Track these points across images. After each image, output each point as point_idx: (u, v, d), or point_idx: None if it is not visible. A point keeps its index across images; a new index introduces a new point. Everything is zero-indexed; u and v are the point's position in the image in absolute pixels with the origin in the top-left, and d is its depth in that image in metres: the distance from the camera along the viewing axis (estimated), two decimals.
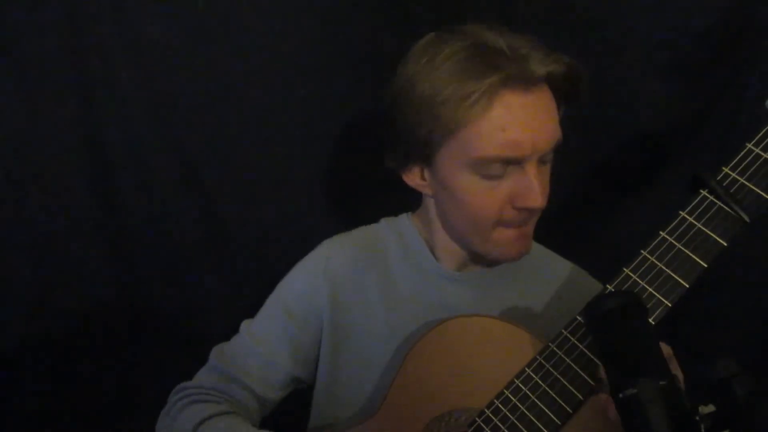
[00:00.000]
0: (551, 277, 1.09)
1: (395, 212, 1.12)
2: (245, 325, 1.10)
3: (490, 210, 0.93)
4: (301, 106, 1.34)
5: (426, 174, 0.99)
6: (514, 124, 0.87)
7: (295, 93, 1.34)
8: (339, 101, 1.35)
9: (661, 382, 0.69)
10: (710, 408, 0.68)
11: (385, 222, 1.13)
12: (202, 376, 1.07)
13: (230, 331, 1.09)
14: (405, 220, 1.11)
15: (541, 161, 0.92)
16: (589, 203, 1.37)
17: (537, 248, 1.09)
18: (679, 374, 0.80)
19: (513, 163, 0.90)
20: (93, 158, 1.32)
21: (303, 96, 1.34)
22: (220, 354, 1.08)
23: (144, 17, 1.26)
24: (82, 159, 1.32)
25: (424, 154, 0.95)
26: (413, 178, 1.00)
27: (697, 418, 0.67)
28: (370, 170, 1.22)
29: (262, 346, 1.06)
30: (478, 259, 1.05)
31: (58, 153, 1.30)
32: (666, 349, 0.80)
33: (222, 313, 1.41)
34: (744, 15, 1.24)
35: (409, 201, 1.09)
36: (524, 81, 0.87)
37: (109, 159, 1.33)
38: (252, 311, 1.10)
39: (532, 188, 0.90)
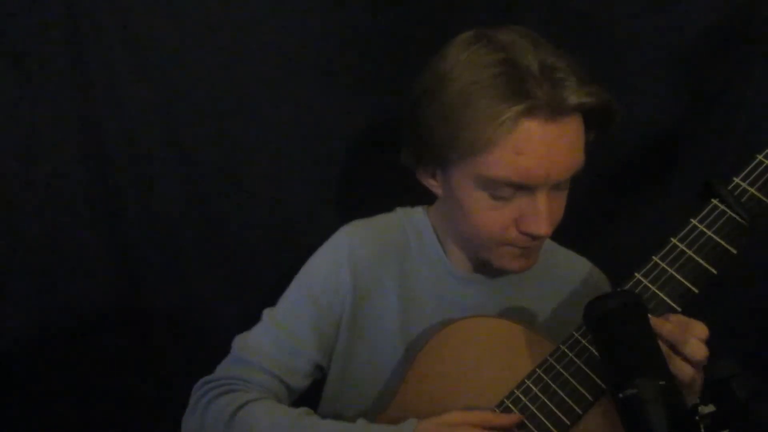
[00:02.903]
0: (563, 275, 1.10)
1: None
2: (268, 312, 1.09)
3: (493, 228, 0.94)
4: (302, 104, 1.35)
5: (438, 176, 0.99)
6: (531, 152, 0.86)
7: (296, 91, 1.34)
8: (341, 99, 1.35)
9: (661, 382, 0.70)
10: (710, 408, 0.68)
11: (402, 212, 1.12)
12: (227, 368, 1.06)
13: (230, 329, 1.09)
14: (421, 213, 1.11)
15: (556, 188, 0.92)
16: (597, 209, 1.37)
17: (549, 246, 1.08)
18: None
19: (523, 188, 0.90)
20: (93, 157, 1.33)
21: (304, 94, 1.34)
22: (243, 344, 1.06)
23: (144, 16, 1.27)
24: (82, 158, 1.32)
25: (440, 158, 0.95)
26: (426, 177, 1.01)
27: (697, 418, 0.68)
28: (372, 168, 1.22)
29: (287, 334, 1.05)
30: (486, 262, 1.04)
31: (57, 153, 1.31)
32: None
33: (222, 313, 1.40)
34: (744, 15, 1.24)
35: (406, 200, 1.10)
36: (552, 109, 0.85)
37: (109, 158, 1.33)
38: (253, 310, 1.10)
39: (539, 216, 0.90)
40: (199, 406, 1.01)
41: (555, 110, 0.86)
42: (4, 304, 1.36)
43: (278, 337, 1.05)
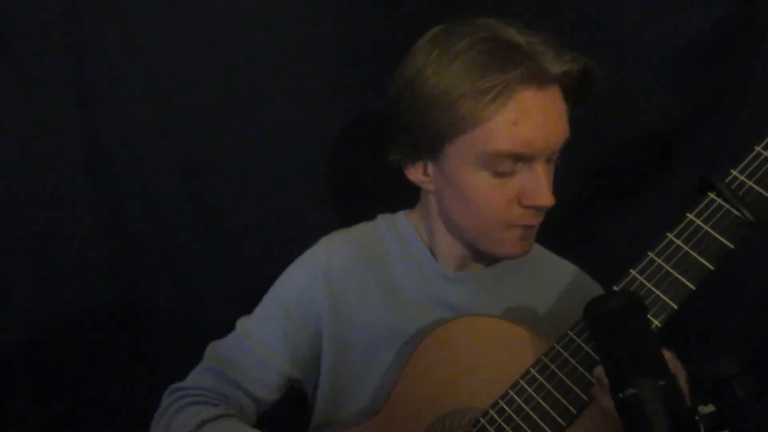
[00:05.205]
0: (551, 277, 1.09)
1: (395, 208, 1.12)
2: (241, 322, 1.09)
3: (498, 207, 0.93)
4: (299, 105, 1.35)
5: (430, 169, 0.97)
6: (527, 120, 0.87)
7: (294, 91, 1.34)
8: (337, 99, 1.35)
9: (660, 382, 0.68)
10: (710, 408, 0.68)
11: (382, 219, 1.11)
12: (197, 376, 1.06)
13: (229, 330, 1.09)
14: (403, 218, 1.10)
15: (549, 161, 0.93)
16: (592, 204, 1.37)
17: (537, 249, 1.07)
18: (681, 373, 0.80)
19: (523, 160, 0.90)
20: (92, 158, 1.33)
21: (302, 94, 1.34)
22: (215, 353, 1.07)
23: (144, 17, 1.27)
24: (82, 158, 1.32)
25: (432, 149, 0.94)
26: (416, 173, 0.99)
27: (697, 418, 0.67)
28: (369, 167, 1.22)
29: (258, 347, 1.04)
30: (478, 257, 1.04)
31: (57, 153, 1.31)
32: (666, 353, 0.80)
33: (222, 313, 1.35)
34: (744, 15, 1.24)
35: (409, 196, 1.09)
36: (539, 79, 0.87)
37: (108, 158, 1.33)
38: (252, 310, 1.10)
39: (542, 186, 0.90)
40: (167, 414, 1.02)
41: (543, 79, 0.87)
42: (4, 303, 1.36)
43: (249, 350, 1.05)
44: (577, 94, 0.94)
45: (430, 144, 0.93)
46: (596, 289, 1.08)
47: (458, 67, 0.88)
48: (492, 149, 0.88)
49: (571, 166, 0.93)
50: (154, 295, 1.42)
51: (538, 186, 0.90)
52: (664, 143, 1.35)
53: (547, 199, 0.91)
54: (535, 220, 0.95)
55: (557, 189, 0.95)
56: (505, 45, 0.88)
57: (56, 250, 1.35)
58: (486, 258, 1.05)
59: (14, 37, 1.25)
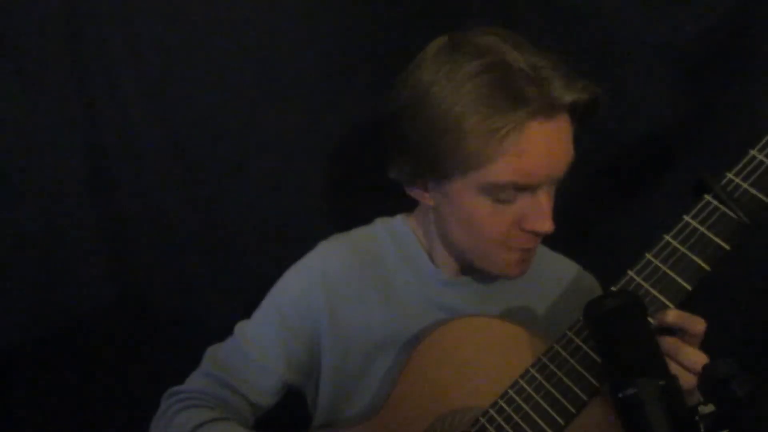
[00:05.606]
0: (550, 276, 1.09)
1: (393, 211, 1.12)
2: (240, 327, 1.09)
3: (497, 232, 0.93)
4: (299, 107, 1.35)
5: (431, 185, 0.97)
6: (533, 153, 0.86)
7: (294, 93, 1.35)
8: (337, 102, 1.36)
9: (660, 382, 0.70)
10: (710, 408, 0.69)
11: (380, 223, 1.11)
12: (195, 380, 1.07)
13: (229, 331, 1.09)
14: (401, 222, 1.09)
15: (552, 183, 0.92)
16: (591, 205, 1.38)
17: (538, 248, 1.07)
18: None
19: (526, 189, 0.90)
20: (93, 158, 1.33)
21: (302, 96, 1.35)
22: (214, 357, 1.07)
23: (144, 17, 1.27)
24: (82, 158, 1.32)
25: (435, 172, 0.92)
26: (417, 190, 0.99)
27: (697, 418, 0.68)
28: (368, 169, 1.23)
29: (255, 352, 1.04)
30: (476, 268, 1.03)
31: (57, 153, 1.31)
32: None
33: (221, 314, 1.37)
34: (744, 15, 1.25)
35: (407, 200, 1.08)
36: (547, 111, 0.86)
37: (108, 158, 1.34)
38: (251, 312, 1.10)
39: (543, 213, 0.90)
40: (165, 417, 1.02)
41: (550, 109, 0.86)
42: (4, 303, 1.36)
43: (247, 354, 1.05)
44: (582, 116, 0.93)
45: (433, 171, 0.93)
46: (596, 288, 1.10)
47: (466, 97, 0.86)
48: (495, 181, 0.88)
49: (570, 166, 0.93)
50: (154, 298, 1.42)
51: (539, 212, 0.90)
52: (664, 144, 1.35)
53: (547, 225, 0.91)
54: (534, 243, 0.95)
55: (556, 190, 0.95)
56: (514, 74, 0.85)
57: (56, 250, 1.35)
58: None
59: (14, 37, 1.25)
